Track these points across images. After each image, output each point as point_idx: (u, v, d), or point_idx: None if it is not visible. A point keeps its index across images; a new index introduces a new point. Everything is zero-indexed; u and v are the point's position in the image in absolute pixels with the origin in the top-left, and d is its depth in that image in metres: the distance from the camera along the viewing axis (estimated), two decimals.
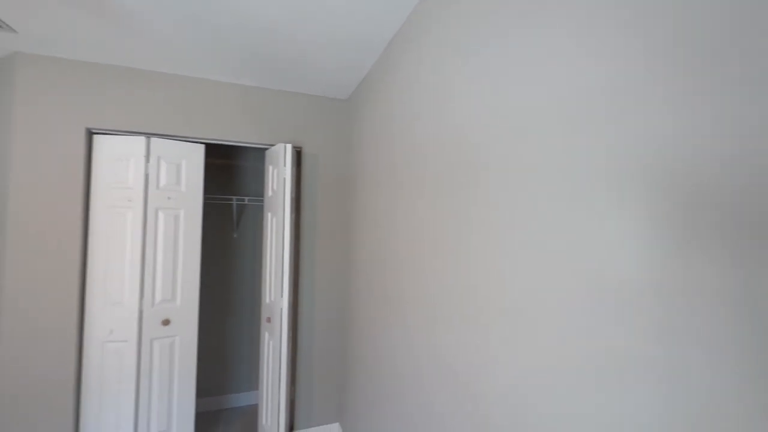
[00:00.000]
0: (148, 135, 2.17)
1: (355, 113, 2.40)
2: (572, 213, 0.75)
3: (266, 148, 2.55)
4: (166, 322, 2.17)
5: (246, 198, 2.94)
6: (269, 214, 2.39)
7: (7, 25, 1.69)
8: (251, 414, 2.82)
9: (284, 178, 2.19)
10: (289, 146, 2.22)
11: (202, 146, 2.32)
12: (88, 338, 2.06)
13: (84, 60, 2.05)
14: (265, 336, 2.36)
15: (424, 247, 1.39)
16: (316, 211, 2.50)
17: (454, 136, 1.20)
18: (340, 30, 1.71)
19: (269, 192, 2.40)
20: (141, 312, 2.11)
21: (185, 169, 2.26)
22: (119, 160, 2.11)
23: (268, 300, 2.35)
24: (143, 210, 2.12)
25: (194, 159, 2.29)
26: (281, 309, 2.17)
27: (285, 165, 2.20)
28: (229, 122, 2.33)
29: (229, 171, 3.00)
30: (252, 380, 2.99)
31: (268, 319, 2.31)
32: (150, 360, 2.13)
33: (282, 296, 2.18)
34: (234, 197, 2.88)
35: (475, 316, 1.06)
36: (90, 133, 2.09)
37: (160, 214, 2.17)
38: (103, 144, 2.11)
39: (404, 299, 1.56)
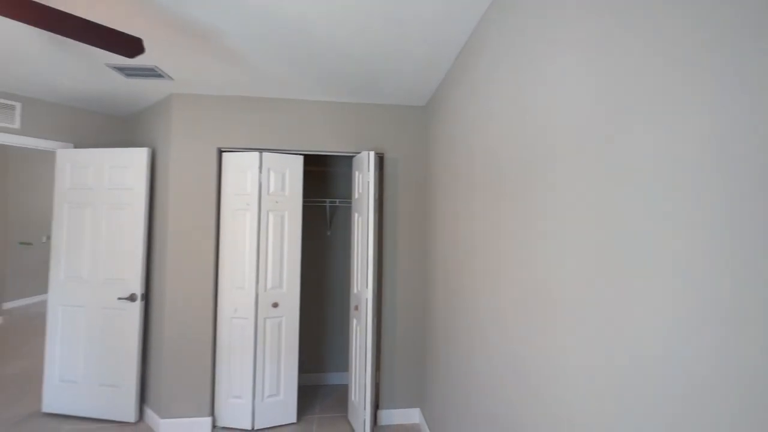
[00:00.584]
0: (261, 150, 2.64)
1: (432, 118, 2.56)
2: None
3: (353, 156, 2.86)
4: (275, 305, 2.61)
5: (337, 200, 3.31)
6: (356, 214, 2.69)
7: (168, 75, 2.26)
8: (343, 392, 3.18)
9: (368, 182, 2.46)
10: (372, 153, 2.48)
11: (301, 157, 2.72)
12: (220, 314, 2.61)
13: (216, 95, 2.60)
14: (354, 323, 2.67)
15: (500, 245, 1.49)
16: (396, 211, 2.72)
17: (531, 137, 1.26)
18: (413, 48, 1.89)
19: (356, 194, 2.70)
20: (257, 295, 2.59)
21: (288, 177, 2.68)
22: (240, 171, 2.62)
23: (355, 290, 2.65)
24: (258, 212, 2.59)
25: (295, 168, 2.70)
26: (366, 299, 2.44)
27: (369, 170, 2.47)
28: (321, 135, 2.69)
29: (323, 177, 3.41)
30: (344, 362, 3.36)
31: (356, 308, 2.61)
32: (264, 335, 2.60)
33: (367, 287, 2.44)
34: (327, 200, 3.28)
35: (551, 317, 1.14)
36: (220, 152, 2.64)
37: (270, 216, 2.63)
38: (228, 160, 2.64)
39: (477, 294, 1.67)
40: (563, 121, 1.01)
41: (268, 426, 2.59)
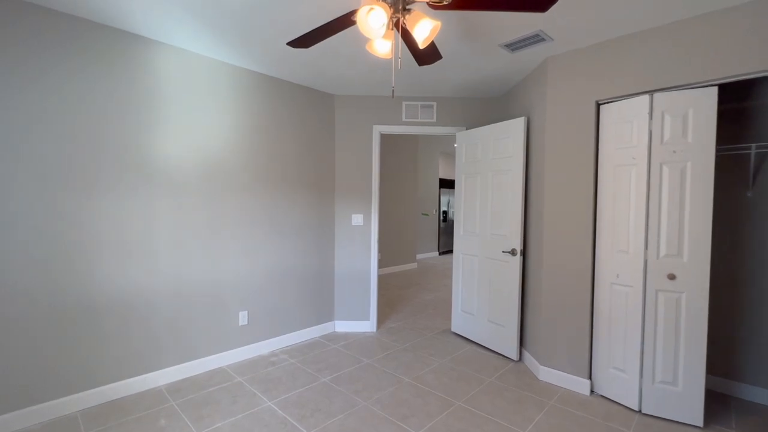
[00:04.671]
0: (651, 92, 2.23)
1: None
2: None
3: None
4: (671, 277, 2.17)
5: None
6: None
7: (549, 37, 2.33)
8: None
9: None
10: None
11: (714, 89, 2.06)
12: (598, 277, 2.47)
13: (593, 43, 2.42)
14: None
15: None
16: None
17: None
18: None
19: None
20: (645, 262, 2.24)
21: (692, 119, 2.11)
22: (623, 122, 2.33)
23: None
24: (647, 166, 2.22)
25: (703, 106, 2.08)
26: None
27: None
28: (745, 50, 1.91)
29: (745, 115, 2.46)
30: None
31: None
32: (654, 309, 2.22)
33: None
34: (753, 145, 2.34)
35: None
36: (597, 105, 2.46)
37: (664, 169, 2.18)
38: (608, 112, 2.41)
39: None
40: None
41: (660, 416, 2.22)
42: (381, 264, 6.79)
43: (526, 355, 2.95)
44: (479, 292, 3.33)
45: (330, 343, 3.37)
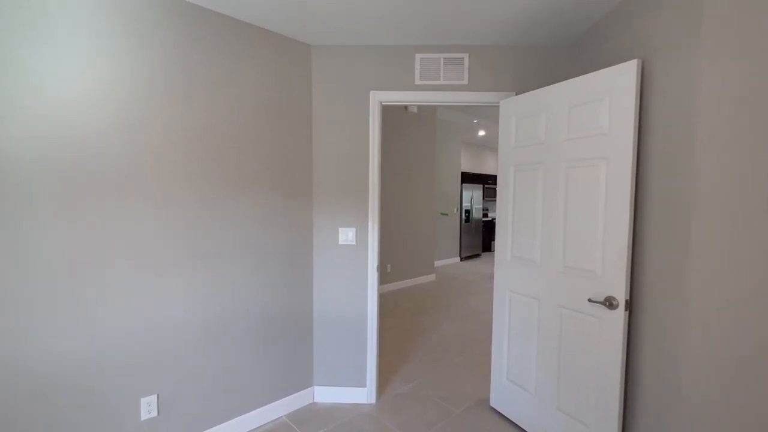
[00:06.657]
0: None
1: None
2: None
3: None
4: None
5: None
6: None
7: None
8: None
9: None
10: None
11: None
12: None
13: None
14: None
15: None
16: None
17: None
18: None
19: None
20: None
21: None
22: None
23: None
24: None
25: None
26: None
27: None
28: None
29: None
30: None
31: None
32: None
33: None
34: None
35: None
36: None
37: None
38: None
39: None
40: None
41: None
42: (390, 278, 5.55)
43: None
44: (541, 358, 2.05)
45: (302, 430, 2.16)
